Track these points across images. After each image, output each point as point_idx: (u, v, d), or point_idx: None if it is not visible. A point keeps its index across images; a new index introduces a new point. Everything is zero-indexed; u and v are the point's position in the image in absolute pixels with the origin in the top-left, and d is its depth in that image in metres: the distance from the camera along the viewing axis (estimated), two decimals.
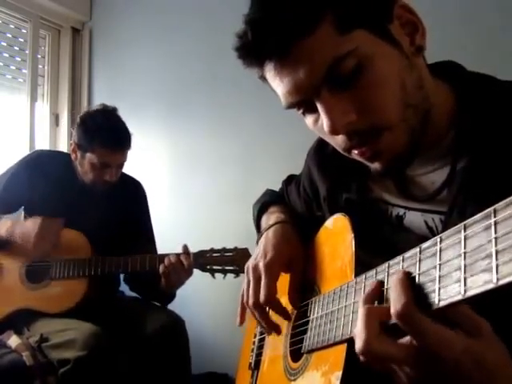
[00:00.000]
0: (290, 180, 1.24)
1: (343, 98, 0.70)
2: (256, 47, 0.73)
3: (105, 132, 1.92)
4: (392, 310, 0.55)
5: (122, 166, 2.03)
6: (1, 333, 1.88)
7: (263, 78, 0.79)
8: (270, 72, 0.75)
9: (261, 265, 0.96)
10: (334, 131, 0.71)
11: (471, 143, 0.73)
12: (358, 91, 0.70)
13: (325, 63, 0.68)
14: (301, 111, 0.78)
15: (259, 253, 1.00)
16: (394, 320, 0.55)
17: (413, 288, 0.56)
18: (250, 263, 1.00)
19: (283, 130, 2.31)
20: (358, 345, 0.58)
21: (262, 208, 1.20)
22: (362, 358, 0.59)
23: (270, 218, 1.12)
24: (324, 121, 0.71)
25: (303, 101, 0.74)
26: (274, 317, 0.99)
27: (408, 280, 0.56)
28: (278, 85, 0.75)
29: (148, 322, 1.92)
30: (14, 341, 1.81)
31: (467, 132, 0.74)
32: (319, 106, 0.72)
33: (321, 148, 1.04)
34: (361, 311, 0.60)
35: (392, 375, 0.58)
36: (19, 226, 1.89)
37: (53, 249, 1.89)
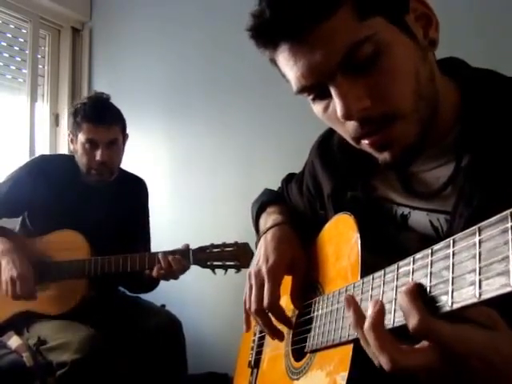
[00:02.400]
0: (290, 178, 1.23)
1: (358, 84, 0.70)
2: (273, 27, 0.72)
3: (88, 108, 1.97)
4: (409, 326, 0.54)
5: (114, 146, 2.01)
6: (2, 335, 1.88)
7: (273, 62, 0.78)
8: (283, 54, 0.74)
9: (263, 270, 0.95)
10: (347, 116, 0.71)
11: (476, 139, 0.73)
12: (374, 77, 0.70)
13: (342, 47, 0.68)
14: (311, 97, 0.77)
15: (260, 257, 0.99)
16: (412, 333, 0.54)
17: (424, 291, 0.56)
18: (251, 269, 0.99)
19: (282, 129, 2.32)
20: (386, 365, 0.56)
21: (260, 208, 1.19)
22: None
23: (268, 219, 1.11)
24: (337, 105, 0.71)
25: (316, 85, 0.73)
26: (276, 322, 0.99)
27: (417, 291, 0.56)
28: (292, 67, 0.74)
29: (145, 323, 1.93)
30: (14, 341, 1.81)
31: (472, 127, 0.74)
32: (333, 91, 0.71)
33: (324, 145, 1.03)
34: (371, 336, 0.59)
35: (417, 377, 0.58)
36: (5, 261, 1.84)
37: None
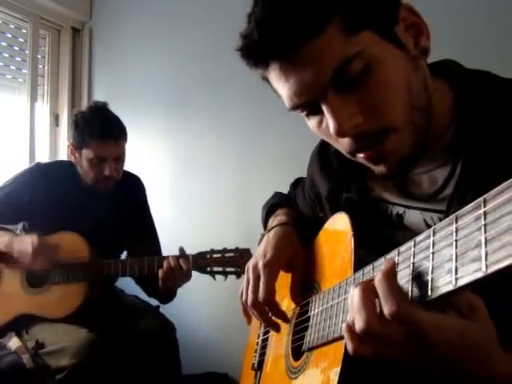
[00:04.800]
0: (298, 183, 1.25)
1: (350, 100, 0.70)
2: (262, 47, 0.72)
3: (94, 124, 1.92)
4: (385, 311, 0.55)
5: (120, 160, 2.00)
6: (2, 336, 1.88)
7: (266, 80, 0.78)
8: (274, 72, 0.74)
9: (260, 264, 0.97)
10: (340, 134, 0.71)
11: (471, 139, 0.73)
12: (365, 93, 0.70)
13: (332, 64, 0.68)
14: (304, 113, 0.77)
15: (259, 253, 1.01)
16: (388, 318, 0.55)
17: (406, 281, 0.56)
18: (250, 263, 1.01)
19: (282, 130, 2.31)
20: (359, 325, 0.58)
21: (269, 210, 1.22)
22: (358, 342, 0.59)
23: (274, 220, 1.13)
24: (330, 123, 0.71)
25: (308, 102, 0.73)
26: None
27: (393, 276, 0.57)
28: (283, 86, 0.74)
29: (137, 326, 1.92)
30: (14, 343, 1.81)
31: (467, 128, 0.74)
32: (325, 108, 0.71)
33: (322, 151, 1.04)
34: (357, 291, 0.61)
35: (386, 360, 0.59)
36: (17, 242, 1.86)
37: (51, 264, 1.87)
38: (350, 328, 0.61)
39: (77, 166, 2.03)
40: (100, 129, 1.91)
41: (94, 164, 1.94)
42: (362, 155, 0.75)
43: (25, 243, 1.82)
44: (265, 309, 0.96)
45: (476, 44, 1.73)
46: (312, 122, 0.78)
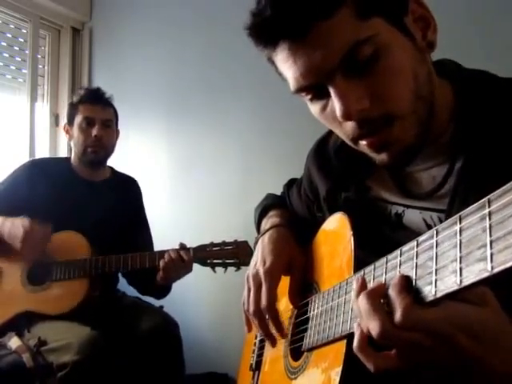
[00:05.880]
0: (291, 184, 1.24)
1: (358, 84, 0.70)
2: (273, 25, 0.71)
3: (84, 93, 2.16)
4: (395, 319, 0.55)
5: (109, 127, 2.13)
6: (3, 335, 1.87)
7: (271, 61, 0.78)
8: (282, 53, 0.73)
9: (261, 272, 0.97)
10: (346, 116, 0.70)
11: (470, 138, 0.73)
12: (373, 78, 0.70)
13: (343, 47, 0.68)
14: (309, 97, 0.76)
15: (258, 260, 1.01)
16: (401, 328, 0.55)
17: (410, 283, 0.56)
18: (249, 271, 1.01)
19: (280, 131, 2.32)
20: (375, 331, 0.57)
21: (262, 212, 1.21)
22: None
23: (267, 222, 1.12)
24: (336, 106, 0.70)
25: (315, 85, 0.73)
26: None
27: (403, 284, 0.56)
28: (291, 66, 0.73)
29: (141, 324, 1.93)
30: (14, 342, 1.80)
31: (466, 127, 0.74)
32: (332, 91, 0.71)
33: (320, 150, 1.04)
34: (363, 299, 0.60)
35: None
36: (8, 225, 1.87)
37: (40, 254, 1.90)
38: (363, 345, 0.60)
39: (71, 161, 2.14)
40: (89, 94, 2.14)
41: (83, 129, 2.08)
42: (364, 142, 0.75)
43: (16, 226, 1.84)
44: (266, 319, 0.96)
45: (471, 44, 1.74)
46: (316, 107, 0.77)
